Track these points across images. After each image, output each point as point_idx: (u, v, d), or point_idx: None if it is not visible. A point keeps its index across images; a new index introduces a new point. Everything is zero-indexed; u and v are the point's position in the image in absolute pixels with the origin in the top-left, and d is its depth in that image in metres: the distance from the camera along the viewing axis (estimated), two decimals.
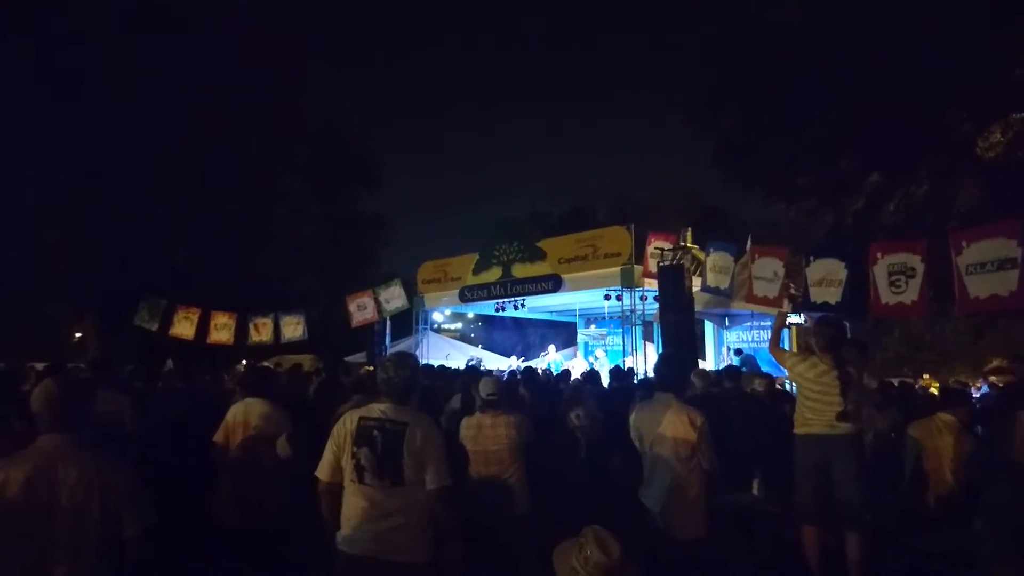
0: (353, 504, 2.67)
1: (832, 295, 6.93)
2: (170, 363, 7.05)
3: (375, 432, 2.67)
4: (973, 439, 4.27)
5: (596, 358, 13.66)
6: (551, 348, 16.17)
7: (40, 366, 7.38)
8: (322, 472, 2.75)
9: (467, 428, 4.08)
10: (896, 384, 7.79)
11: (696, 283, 9.58)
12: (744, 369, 11.42)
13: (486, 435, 3.97)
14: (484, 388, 4.14)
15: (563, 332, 19.51)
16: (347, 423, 2.75)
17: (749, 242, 8.95)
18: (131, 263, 15.58)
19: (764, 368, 10.73)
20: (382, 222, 27.05)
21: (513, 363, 15.59)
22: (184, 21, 16.73)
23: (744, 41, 16.32)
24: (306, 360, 13.64)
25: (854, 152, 14.58)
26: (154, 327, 13.82)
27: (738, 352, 12.22)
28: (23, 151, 14.00)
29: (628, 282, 10.77)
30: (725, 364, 12.84)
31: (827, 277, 7.01)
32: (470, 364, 12.53)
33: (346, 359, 13.43)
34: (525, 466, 3.99)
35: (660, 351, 10.35)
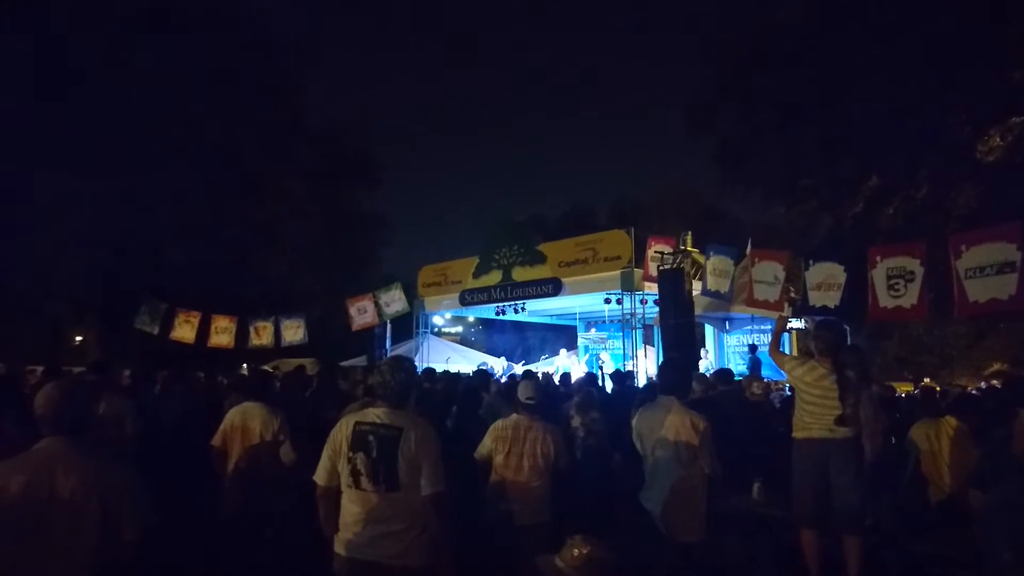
0: (349, 509, 2.68)
1: (831, 299, 6.93)
2: (164, 373, 7.02)
3: (370, 437, 2.67)
4: (979, 445, 4.21)
5: (603, 362, 13.63)
6: (562, 352, 15.99)
7: (38, 369, 7.37)
8: (319, 477, 2.76)
9: (502, 429, 3.92)
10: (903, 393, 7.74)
11: (696, 287, 9.58)
12: (747, 369, 11.46)
13: (522, 438, 3.85)
14: (523, 392, 4.02)
15: (564, 336, 19.48)
16: (343, 428, 2.75)
17: (749, 246, 8.96)
18: (132, 263, 15.60)
19: (765, 371, 10.76)
20: (382, 222, 27.07)
21: (503, 364, 15.57)
22: (185, 20, 16.79)
23: (744, 41, 16.35)
24: (307, 364, 13.66)
25: (854, 153, 14.58)
26: (155, 330, 13.83)
27: (752, 348, 12.18)
28: (24, 150, 14.03)
29: (628, 286, 10.77)
30: (733, 367, 12.86)
31: (826, 281, 7.02)
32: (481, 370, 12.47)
33: (347, 363, 13.43)
34: (552, 476, 3.89)
35: (660, 355, 10.34)
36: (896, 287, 6.40)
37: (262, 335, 13.55)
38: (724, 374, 6.78)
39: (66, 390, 2.23)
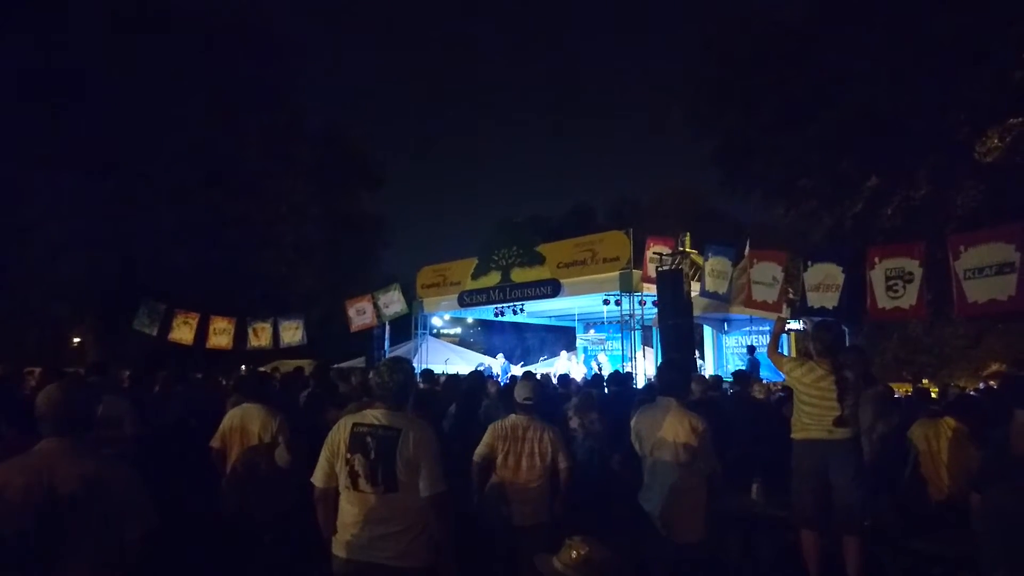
0: (348, 510, 2.68)
1: (829, 300, 6.92)
2: (164, 374, 7.01)
3: (368, 438, 2.66)
4: (979, 446, 4.18)
5: (600, 364, 13.63)
6: (563, 354, 15.95)
7: (37, 371, 7.36)
8: (317, 478, 2.75)
9: (500, 429, 3.90)
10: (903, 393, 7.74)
11: (695, 288, 9.58)
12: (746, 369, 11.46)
13: (520, 438, 3.83)
14: (521, 392, 3.99)
15: (563, 337, 19.49)
16: (341, 429, 2.75)
17: (747, 246, 8.96)
18: (132, 264, 15.61)
19: (764, 372, 10.76)
20: (382, 223, 27.07)
21: (501, 362, 15.56)
22: (186, 21, 16.83)
23: (746, 41, 16.37)
24: (306, 365, 13.64)
25: (854, 153, 14.60)
26: (153, 331, 13.83)
27: (751, 350, 12.18)
28: (24, 150, 14.06)
29: (627, 287, 10.77)
30: (729, 368, 12.85)
31: (824, 282, 7.01)
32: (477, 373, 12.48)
33: (346, 364, 13.42)
34: (551, 476, 3.88)
35: (659, 356, 10.35)
36: (895, 288, 6.40)
37: (260, 336, 13.55)
38: (739, 376, 6.82)
39: (67, 391, 2.23)
